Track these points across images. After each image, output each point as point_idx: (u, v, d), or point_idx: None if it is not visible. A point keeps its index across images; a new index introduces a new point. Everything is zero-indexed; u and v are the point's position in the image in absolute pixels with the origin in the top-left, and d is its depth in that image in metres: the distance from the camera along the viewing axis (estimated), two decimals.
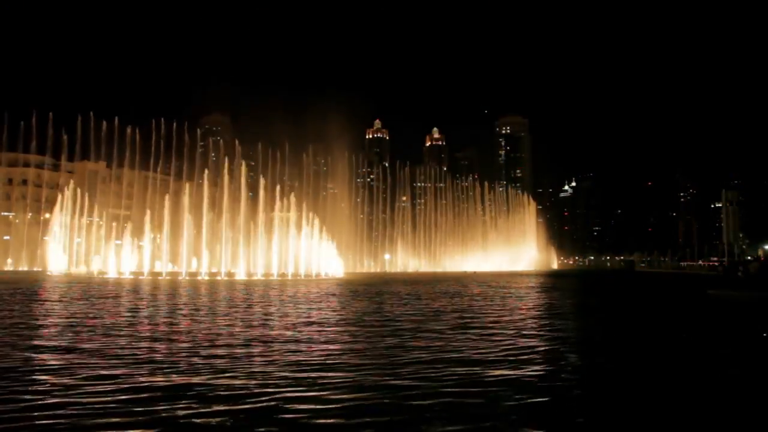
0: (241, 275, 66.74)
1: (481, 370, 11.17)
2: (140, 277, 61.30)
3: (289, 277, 64.68)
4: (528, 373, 11.01)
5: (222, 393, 9.23)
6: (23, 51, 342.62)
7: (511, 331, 17.47)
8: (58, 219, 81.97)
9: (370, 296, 34.32)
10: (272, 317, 21.23)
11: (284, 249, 72.76)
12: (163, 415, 7.99)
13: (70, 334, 15.92)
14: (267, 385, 9.77)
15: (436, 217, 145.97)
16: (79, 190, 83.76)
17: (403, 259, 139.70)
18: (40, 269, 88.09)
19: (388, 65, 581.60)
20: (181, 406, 8.42)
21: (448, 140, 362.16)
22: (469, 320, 20.81)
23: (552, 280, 67.02)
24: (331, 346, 14.43)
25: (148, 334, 16.19)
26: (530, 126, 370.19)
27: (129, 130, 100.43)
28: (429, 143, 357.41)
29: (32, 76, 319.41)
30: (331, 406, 8.53)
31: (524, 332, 17.54)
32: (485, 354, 13.20)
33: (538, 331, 18.32)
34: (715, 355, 14.16)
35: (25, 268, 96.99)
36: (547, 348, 14.52)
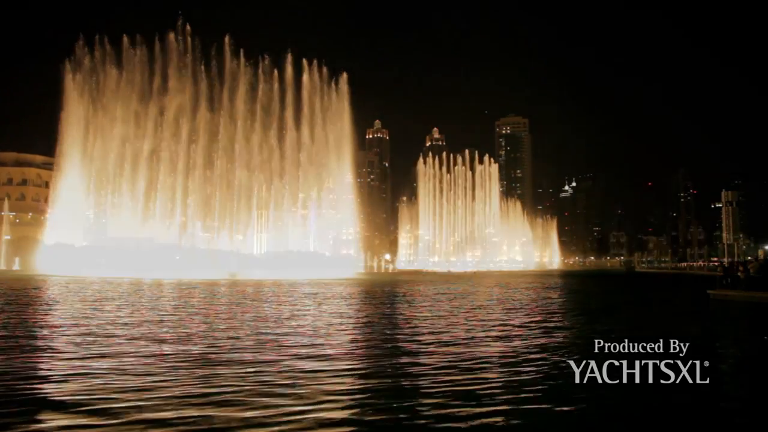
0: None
1: None
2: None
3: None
4: None
5: None
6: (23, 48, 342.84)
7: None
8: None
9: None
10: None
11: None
12: None
13: None
14: None
15: (435, 217, 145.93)
16: None
17: (403, 259, 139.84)
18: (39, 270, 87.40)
19: (388, 65, 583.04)
20: None
21: (447, 140, 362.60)
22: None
23: (563, 281, 65.86)
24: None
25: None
26: (530, 126, 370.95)
27: None
28: (429, 143, 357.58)
29: (31, 75, 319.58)
30: None
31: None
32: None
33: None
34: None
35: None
36: None
